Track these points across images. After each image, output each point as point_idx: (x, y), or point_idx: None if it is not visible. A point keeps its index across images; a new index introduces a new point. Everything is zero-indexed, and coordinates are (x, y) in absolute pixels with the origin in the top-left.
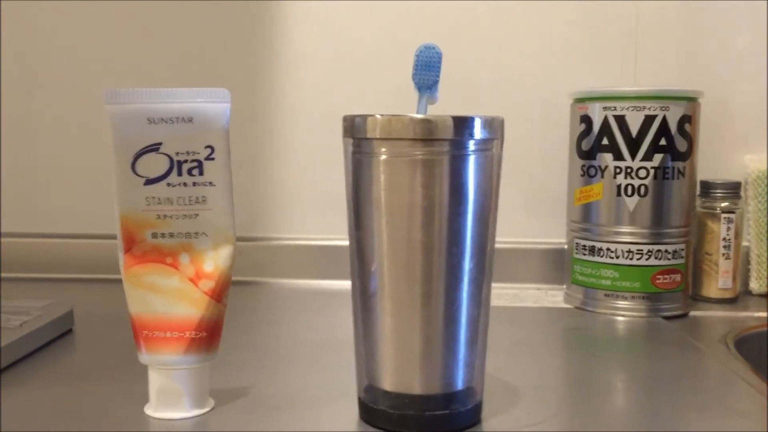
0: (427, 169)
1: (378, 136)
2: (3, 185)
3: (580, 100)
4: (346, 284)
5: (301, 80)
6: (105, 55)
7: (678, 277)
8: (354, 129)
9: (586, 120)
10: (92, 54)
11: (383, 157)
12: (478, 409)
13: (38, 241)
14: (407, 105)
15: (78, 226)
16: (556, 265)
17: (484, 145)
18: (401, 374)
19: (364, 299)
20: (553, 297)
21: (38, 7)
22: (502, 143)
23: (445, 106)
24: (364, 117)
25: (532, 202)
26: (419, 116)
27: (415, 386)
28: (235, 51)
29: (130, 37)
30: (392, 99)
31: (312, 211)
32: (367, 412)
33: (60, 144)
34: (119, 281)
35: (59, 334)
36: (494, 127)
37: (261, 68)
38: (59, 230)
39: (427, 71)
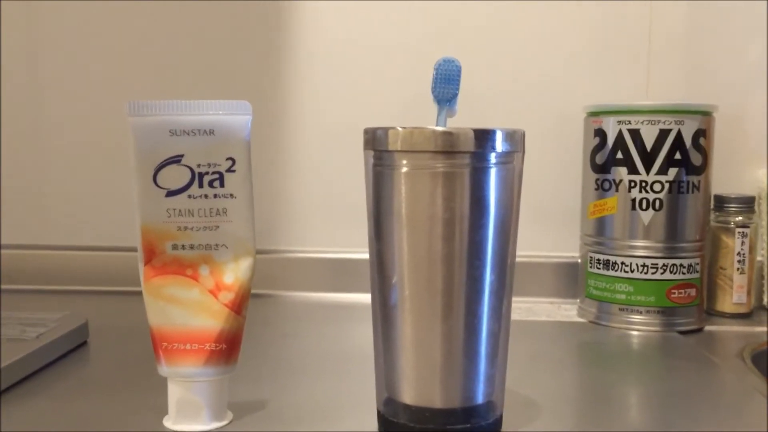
0: (449, 181)
1: (399, 149)
2: (17, 197)
3: (594, 114)
4: (361, 297)
5: (316, 92)
6: (119, 65)
7: (693, 292)
8: (375, 141)
9: (600, 133)
10: (106, 64)
11: (404, 169)
12: (498, 423)
13: (51, 253)
14: (423, 117)
15: (91, 239)
16: (570, 279)
17: (506, 158)
18: (422, 387)
19: (384, 311)
20: (567, 311)
21: (50, 12)
22: (523, 156)
23: (457, 120)
24: (386, 129)
25: (545, 216)
26: (441, 129)
27: (436, 400)
28: (251, 62)
29: (145, 47)
30: (409, 111)
31: (327, 224)
32: (387, 425)
33: (74, 156)
34: (133, 293)
35: (75, 346)
36: (516, 140)
37: (277, 79)
38: (73, 242)
39: (446, 84)
